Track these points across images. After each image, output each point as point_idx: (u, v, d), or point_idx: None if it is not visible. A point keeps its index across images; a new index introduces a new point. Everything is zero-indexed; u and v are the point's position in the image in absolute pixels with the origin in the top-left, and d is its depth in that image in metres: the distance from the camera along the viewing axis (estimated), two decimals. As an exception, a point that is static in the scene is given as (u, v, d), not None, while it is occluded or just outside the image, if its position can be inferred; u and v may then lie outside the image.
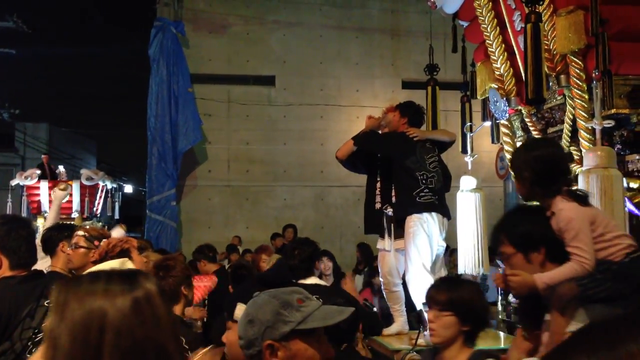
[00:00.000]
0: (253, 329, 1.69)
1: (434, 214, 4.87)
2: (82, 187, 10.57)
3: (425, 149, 5.07)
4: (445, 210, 4.99)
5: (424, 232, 4.84)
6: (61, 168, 11.41)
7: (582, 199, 2.27)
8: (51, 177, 10.84)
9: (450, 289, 2.37)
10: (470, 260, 5.69)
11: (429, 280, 4.80)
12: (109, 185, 11.25)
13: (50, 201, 10.43)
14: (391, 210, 5.07)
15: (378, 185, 5.26)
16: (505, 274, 2.31)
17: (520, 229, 2.29)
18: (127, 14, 14.00)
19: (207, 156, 12.32)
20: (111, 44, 15.27)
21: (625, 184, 4.06)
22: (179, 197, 11.95)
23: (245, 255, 9.84)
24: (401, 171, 4.94)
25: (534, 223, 2.29)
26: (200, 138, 11.92)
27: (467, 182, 5.39)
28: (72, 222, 9.13)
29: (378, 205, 5.21)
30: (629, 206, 4.15)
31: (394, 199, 5.06)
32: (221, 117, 12.33)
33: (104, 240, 3.61)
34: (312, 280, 3.91)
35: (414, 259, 4.85)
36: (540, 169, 2.32)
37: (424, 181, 4.88)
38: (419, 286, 4.78)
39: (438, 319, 2.33)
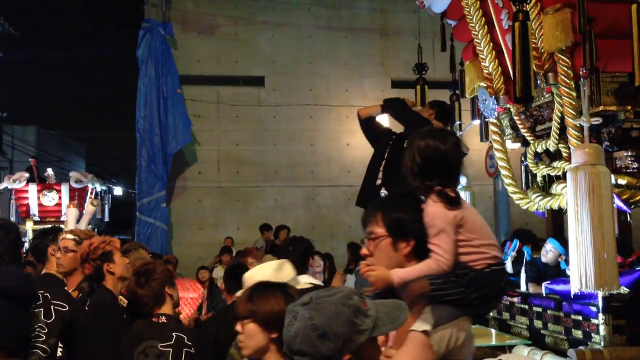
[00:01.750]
0: (328, 344, 1.49)
1: None
2: (72, 189, 10.52)
3: None
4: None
5: None
6: (50, 171, 11.35)
7: (451, 200, 2.18)
8: (39, 180, 10.77)
9: (252, 298, 2.27)
10: (460, 258, 5.71)
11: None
12: (99, 188, 11.20)
13: (39, 204, 10.37)
14: (385, 192, 5.03)
15: (384, 162, 5.16)
16: (365, 264, 2.21)
17: (398, 214, 2.20)
18: (115, 16, 13.92)
19: (197, 157, 12.28)
20: (99, 46, 15.19)
21: (613, 181, 4.08)
22: (169, 199, 11.90)
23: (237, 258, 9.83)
24: None
25: (414, 213, 2.20)
26: (189, 139, 11.87)
27: (456, 181, 5.40)
28: (62, 225, 9.08)
29: (379, 182, 5.14)
30: (617, 202, 4.17)
31: None
32: (211, 118, 12.29)
33: (85, 241, 3.58)
34: (305, 278, 3.88)
35: None
36: (422, 162, 2.23)
37: None
38: None
39: (242, 329, 2.25)
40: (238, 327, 2.28)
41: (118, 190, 18.81)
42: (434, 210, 2.18)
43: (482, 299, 2.13)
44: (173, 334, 2.88)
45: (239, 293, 3.03)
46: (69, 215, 8.38)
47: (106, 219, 11.83)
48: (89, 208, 7.14)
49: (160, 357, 2.77)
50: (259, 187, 12.32)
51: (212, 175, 12.24)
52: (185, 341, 2.88)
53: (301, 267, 3.93)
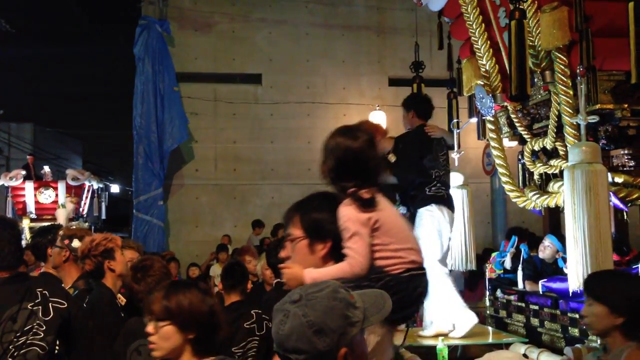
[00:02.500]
0: (325, 339, 1.48)
1: (443, 208, 4.85)
2: (68, 187, 10.50)
3: (440, 145, 5.04)
4: (452, 204, 4.97)
5: (434, 227, 4.82)
6: (46, 168, 11.32)
7: (365, 202, 2.11)
8: (36, 177, 10.75)
9: (168, 297, 2.20)
10: (457, 256, 5.73)
11: (443, 276, 4.78)
12: (95, 185, 11.17)
13: (36, 202, 10.37)
14: None
15: None
16: (283, 265, 2.16)
17: (315, 215, 2.14)
18: (112, 13, 13.88)
19: (194, 155, 12.27)
20: (96, 43, 15.14)
21: (610, 179, 4.10)
22: (166, 197, 11.89)
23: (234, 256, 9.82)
24: (414, 169, 4.88)
25: (332, 213, 2.13)
26: (186, 137, 11.86)
27: (454, 179, 5.42)
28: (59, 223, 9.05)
29: None
30: (614, 200, 4.19)
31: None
32: (208, 115, 12.27)
33: (86, 237, 3.58)
34: None
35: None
36: (334, 163, 2.19)
37: (436, 177, 4.87)
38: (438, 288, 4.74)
39: (156, 330, 2.18)
40: (150, 329, 2.20)
41: (115, 188, 18.79)
42: (346, 213, 2.12)
43: (397, 305, 1.98)
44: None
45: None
46: (58, 214, 8.40)
47: (103, 216, 11.81)
48: (58, 212, 7.12)
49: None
50: (256, 185, 12.31)
51: (209, 173, 12.23)
52: None
53: None
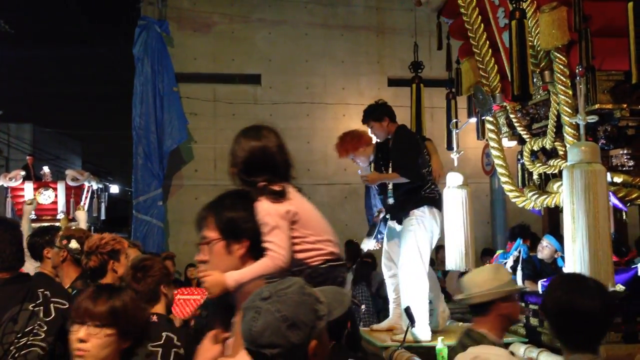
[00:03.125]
0: (298, 333, 1.54)
1: (434, 210, 4.87)
2: (68, 188, 10.48)
3: (423, 145, 5.09)
4: (442, 205, 5.00)
5: (428, 228, 4.84)
6: (46, 169, 11.30)
7: (277, 194, 2.11)
8: (35, 178, 10.74)
9: (112, 300, 2.05)
10: (457, 256, 5.73)
11: (425, 278, 4.83)
12: (95, 186, 11.16)
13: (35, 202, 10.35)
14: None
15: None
16: (200, 271, 2.10)
17: (229, 214, 2.11)
18: (111, 14, 13.89)
19: (193, 155, 12.26)
20: (95, 44, 15.14)
21: (609, 179, 4.10)
22: (165, 197, 11.89)
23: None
24: (417, 169, 4.93)
25: (247, 211, 2.10)
26: (186, 137, 11.86)
27: (453, 179, 5.42)
28: (58, 224, 9.06)
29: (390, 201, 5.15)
30: (613, 200, 4.19)
31: (390, 200, 5.05)
32: (207, 116, 12.27)
33: (95, 235, 3.59)
34: None
35: (412, 256, 4.84)
36: (241, 161, 2.20)
37: (429, 177, 4.90)
38: (414, 283, 4.80)
39: (93, 338, 1.98)
40: (82, 335, 1.99)
41: (115, 188, 18.79)
42: (264, 207, 2.10)
43: None
44: (163, 333, 2.85)
45: (460, 296, 3.03)
46: (79, 217, 8.48)
47: (102, 217, 11.79)
48: (25, 208, 7.16)
49: (150, 356, 2.76)
50: (256, 185, 12.31)
51: (208, 173, 12.22)
52: (175, 341, 2.86)
53: None
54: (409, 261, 4.85)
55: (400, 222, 4.96)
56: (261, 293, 1.60)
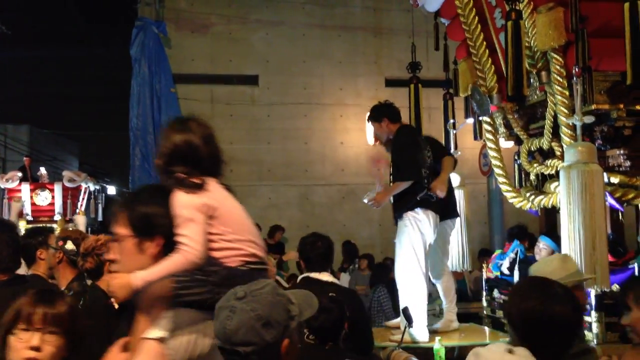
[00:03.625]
0: (272, 331, 1.58)
1: (429, 212, 4.83)
2: (65, 189, 10.48)
3: (424, 143, 5.03)
4: (438, 207, 4.92)
5: (420, 230, 4.81)
6: (43, 170, 11.29)
7: (194, 186, 1.97)
8: (32, 179, 10.72)
9: (55, 305, 1.96)
10: (454, 256, 5.74)
11: (421, 279, 4.82)
12: (92, 187, 11.16)
13: (32, 204, 10.34)
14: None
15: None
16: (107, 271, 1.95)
17: (142, 209, 1.95)
18: (108, 14, 13.86)
19: (190, 156, 12.25)
20: (92, 45, 15.12)
21: (605, 179, 4.11)
22: (162, 198, 11.87)
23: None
24: (416, 169, 4.85)
25: (162, 207, 1.95)
26: (183, 138, 11.84)
27: (451, 179, 5.43)
28: (54, 225, 9.06)
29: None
30: (610, 200, 4.20)
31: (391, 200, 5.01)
32: (204, 116, 11.75)
33: (92, 236, 3.59)
34: (326, 276, 3.79)
35: (405, 258, 4.84)
36: (164, 152, 2.06)
37: (425, 179, 4.85)
38: (410, 284, 4.79)
39: (47, 345, 1.90)
40: (36, 342, 1.86)
41: (112, 189, 18.75)
42: (178, 199, 1.96)
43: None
44: None
45: None
46: (78, 221, 8.54)
47: (100, 218, 11.79)
48: (13, 205, 7.19)
49: None
50: (253, 186, 12.30)
51: (206, 174, 12.21)
52: None
53: (323, 266, 3.82)
54: (405, 262, 4.84)
55: (396, 224, 4.95)
56: (235, 293, 1.63)
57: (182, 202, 1.95)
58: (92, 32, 14.91)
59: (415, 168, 4.82)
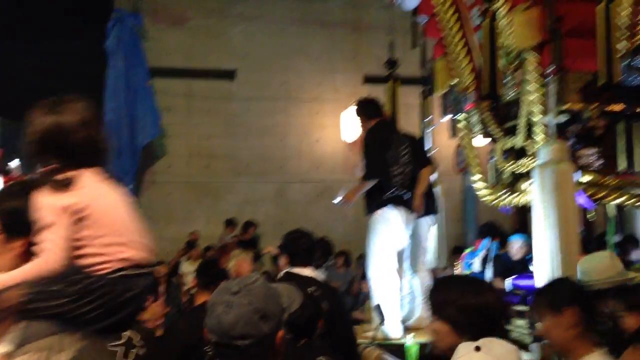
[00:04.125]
0: (269, 323, 1.60)
1: (400, 208, 4.83)
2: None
3: (400, 140, 4.98)
4: (410, 204, 4.90)
5: (388, 227, 4.82)
6: (14, 163, 11.08)
7: (60, 184, 1.76)
8: (4, 172, 10.52)
9: None
10: (429, 253, 5.76)
11: (392, 276, 4.84)
12: (65, 181, 10.98)
13: None
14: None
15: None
16: None
17: (12, 203, 1.80)
18: (83, 6, 13.66)
19: (166, 151, 12.13)
20: (67, 37, 14.90)
21: (577, 178, 4.16)
22: (137, 193, 11.75)
23: (209, 252, 9.76)
24: (377, 168, 4.85)
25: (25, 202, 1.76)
26: (159, 133, 11.72)
27: (425, 176, 5.44)
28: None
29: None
30: (581, 200, 4.25)
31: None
32: (181, 111, 12.16)
33: None
34: (308, 271, 3.81)
35: (376, 256, 4.87)
36: (32, 140, 1.83)
37: (396, 176, 4.82)
38: (381, 281, 4.83)
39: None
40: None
41: (85, 184, 18.54)
42: (40, 199, 1.76)
43: (101, 312, 1.77)
44: (123, 333, 2.76)
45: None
46: None
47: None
48: None
49: (110, 356, 2.67)
50: (229, 182, 12.24)
51: (181, 169, 12.12)
52: (135, 342, 2.77)
53: (306, 261, 3.83)
54: (375, 259, 4.88)
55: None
56: (230, 288, 1.63)
57: (44, 203, 1.75)
58: (66, 23, 14.69)
59: (377, 167, 4.82)
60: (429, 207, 5.22)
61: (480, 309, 1.95)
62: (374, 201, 4.86)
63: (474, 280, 2.21)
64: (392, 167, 4.80)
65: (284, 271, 3.94)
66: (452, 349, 1.90)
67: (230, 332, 1.58)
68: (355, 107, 5.22)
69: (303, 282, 3.57)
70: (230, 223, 11.01)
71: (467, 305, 1.95)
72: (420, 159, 5.09)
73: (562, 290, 2.46)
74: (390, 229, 4.80)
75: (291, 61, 12.49)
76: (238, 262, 5.24)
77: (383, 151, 4.83)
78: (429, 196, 5.22)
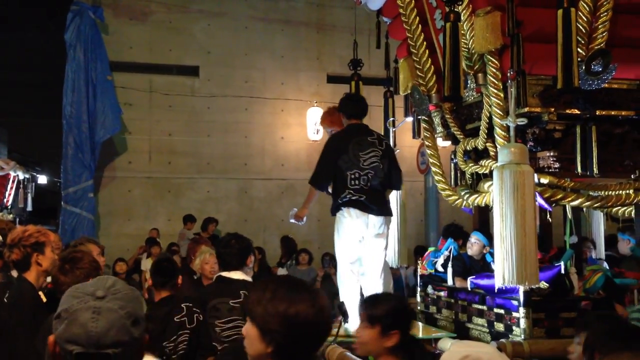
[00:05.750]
0: (139, 327, 1.53)
1: (356, 210, 4.89)
2: (-8, 177, 10.03)
3: (363, 143, 5.00)
4: (372, 208, 4.93)
5: (344, 230, 4.92)
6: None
7: None
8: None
9: None
10: (390, 253, 5.81)
11: (350, 277, 4.93)
12: (21, 176, 10.72)
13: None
14: None
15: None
16: None
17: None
18: (42, -3, 13.34)
19: (127, 147, 11.96)
20: (25, 28, 14.51)
21: (536, 179, 4.25)
22: (97, 189, 11.55)
23: (173, 248, 9.65)
24: (336, 172, 4.95)
25: None
26: (119, 128, 11.54)
27: (388, 177, 5.48)
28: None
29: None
30: (540, 201, 4.35)
31: None
32: (143, 107, 11.99)
33: (19, 227, 3.46)
34: (238, 274, 3.91)
35: (337, 257, 5.01)
36: None
37: (353, 180, 4.87)
38: (340, 282, 4.95)
39: None
40: None
41: (42, 179, 18.08)
42: None
43: None
44: None
45: None
46: None
47: (29, 208, 11.34)
48: None
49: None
50: (191, 179, 12.13)
51: (142, 165, 11.95)
52: None
53: (236, 265, 3.93)
54: (337, 259, 5.03)
55: None
56: (93, 292, 1.51)
57: None
58: (24, 15, 14.31)
59: (323, 174, 4.99)
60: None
61: (289, 317, 1.75)
62: (333, 203, 4.98)
63: (296, 285, 1.86)
64: (349, 172, 4.87)
65: (216, 275, 4.10)
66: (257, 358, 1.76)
67: (101, 340, 1.46)
68: (340, 102, 5.28)
69: (232, 285, 3.81)
70: (189, 219, 10.91)
71: (276, 311, 1.75)
72: (393, 170, 5.13)
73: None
74: (345, 231, 4.91)
75: (255, 59, 12.44)
76: (203, 260, 5.23)
77: (335, 157, 4.91)
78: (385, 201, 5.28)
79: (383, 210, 5.00)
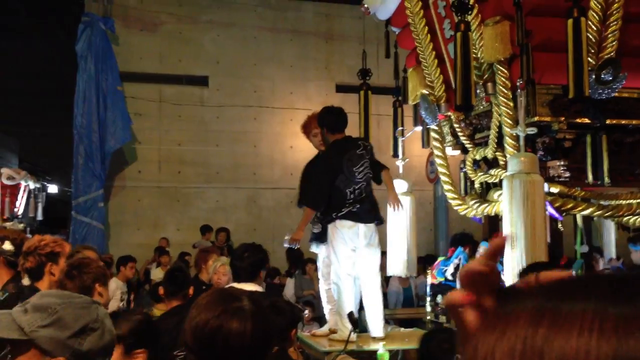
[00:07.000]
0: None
1: (345, 221, 4.93)
2: (3, 186, 10.10)
3: (354, 159, 5.03)
4: (362, 217, 4.98)
5: (337, 241, 4.94)
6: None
7: None
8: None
9: None
10: (399, 263, 5.81)
11: (349, 284, 4.93)
12: (32, 185, 10.80)
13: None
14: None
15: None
16: None
17: None
18: (53, 8, 13.46)
19: (136, 156, 12.02)
20: (36, 38, 14.65)
21: (546, 189, 4.24)
22: (106, 198, 11.60)
23: (185, 258, 9.66)
24: (333, 191, 4.97)
25: None
26: (129, 138, 11.60)
27: (398, 186, 5.50)
28: (-9, 224, 8.70)
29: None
30: (550, 210, 4.33)
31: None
32: (152, 116, 12.05)
33: (36, 236, 3.48)
34: (250, 286, 3.88)
35: (333, 268, 5.00)
36: None
37: (350, 196, 4.93)
38: (339, 292, 4.94)
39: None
40: None
41: (53, 188, 18.19)
42: None
43: None
44: None
45: None
46: None
47: (39, 217, 11.41)
48: None
49: None
50: (200, 188, 12.17)
51: (152, 175, 12.00)
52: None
53: (249, 277, 3.91)
54: (332, 270, 5.01)
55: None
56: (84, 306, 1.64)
57: None
58: (36, 25, 14.45)
59: (321, 196, 4.99)
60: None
61: (203, 330, 1.60)
62: (327, 217, 5.00)
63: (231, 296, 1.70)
64: (347, 189, 4.91)
65: (227, 286, 4.05)
66: None
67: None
68: (321, 115, 5.23)
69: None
70: (207, 229, 10.90)
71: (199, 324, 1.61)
72: (375, 165, 5.16)
73: None
74: (339, 241, 4.92)
75: (263, 69, 12.49)
76: (216, 269, 5.26)
77: (332, 178, 4.95)
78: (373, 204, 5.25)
79: (372, 217, 5.04)
